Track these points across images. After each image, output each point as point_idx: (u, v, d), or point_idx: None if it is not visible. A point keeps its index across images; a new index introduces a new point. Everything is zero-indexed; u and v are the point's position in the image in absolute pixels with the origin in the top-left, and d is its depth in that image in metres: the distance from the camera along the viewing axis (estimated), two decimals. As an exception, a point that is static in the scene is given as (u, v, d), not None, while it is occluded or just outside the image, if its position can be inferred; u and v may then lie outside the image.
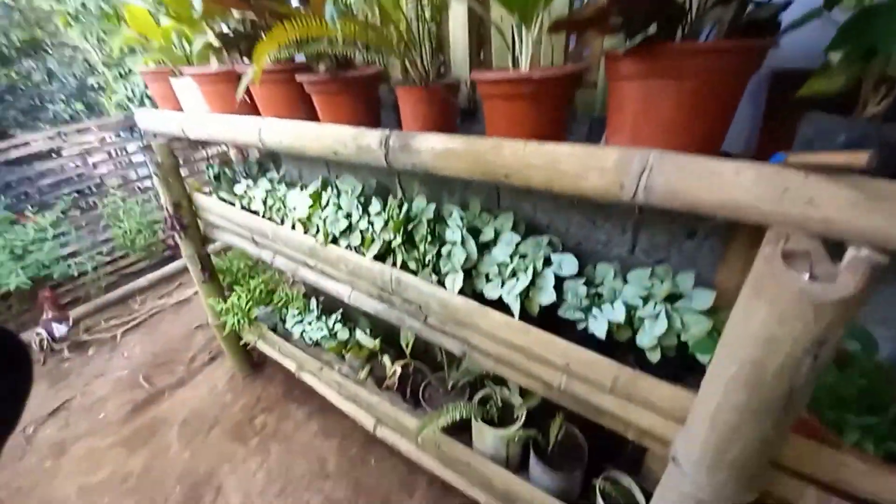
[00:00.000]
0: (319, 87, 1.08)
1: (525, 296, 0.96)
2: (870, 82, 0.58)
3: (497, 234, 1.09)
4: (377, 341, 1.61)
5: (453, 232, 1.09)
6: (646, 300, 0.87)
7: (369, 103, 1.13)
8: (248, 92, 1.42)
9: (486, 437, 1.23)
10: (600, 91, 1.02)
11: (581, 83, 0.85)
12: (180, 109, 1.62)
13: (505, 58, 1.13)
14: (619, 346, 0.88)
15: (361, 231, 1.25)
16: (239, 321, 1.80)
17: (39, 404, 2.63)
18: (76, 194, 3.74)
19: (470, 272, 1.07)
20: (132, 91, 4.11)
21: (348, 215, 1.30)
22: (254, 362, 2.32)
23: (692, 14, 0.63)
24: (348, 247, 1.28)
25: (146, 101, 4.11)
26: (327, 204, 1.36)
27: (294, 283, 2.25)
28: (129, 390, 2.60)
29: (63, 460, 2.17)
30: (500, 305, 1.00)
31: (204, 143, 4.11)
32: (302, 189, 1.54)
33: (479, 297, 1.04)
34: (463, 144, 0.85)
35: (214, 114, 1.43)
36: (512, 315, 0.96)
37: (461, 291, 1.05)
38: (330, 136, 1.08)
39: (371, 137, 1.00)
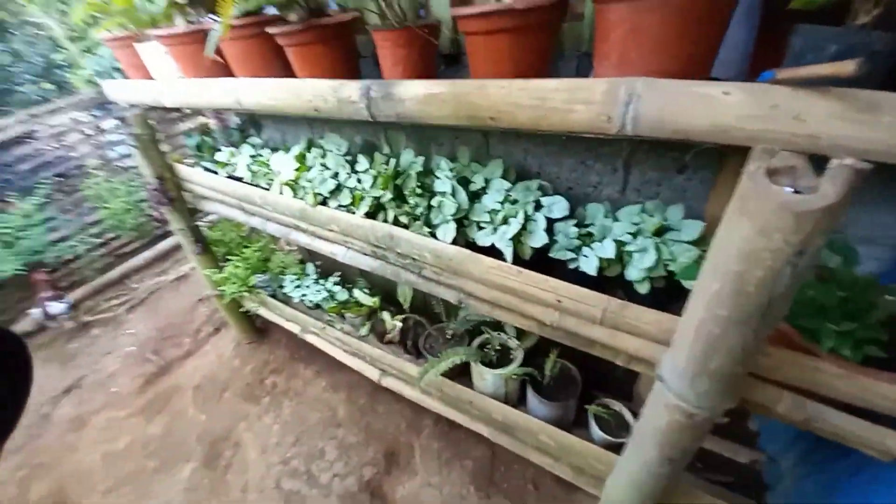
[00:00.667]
0: (293, 38, 1.02)
1: (517, 241, 0.97)
2: (859, -11, 0.55)
3: (487, 182, 1.07)
4: (376, 299, 1.63)
5: (443, 183, 1.08)
6: (635, 235, 0.88)
7: (347, 53, 1.07)
8: (220, 52, 1.34)
9: (486, 377, 1.28)
10: (587, 22, 0.97)
11: (566, 14, 0.81)
12: (151, 78, 1.53)
13: (486, -6, 1.07)
14: (610, 282, 0.90)
15: (350, 190, 1.22)
16: (238, 289, 1.80)
17: (52, 385, 2.68)
18: (57, 177, 3.60)
19: (462, 222, 1.07)
20: (101, 65, 3.85)
21: (336, 175, 1.27)
22: (258, 329, 2.36)
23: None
24: (339, 207, 1.26)
25: (115, 74, 3.87)
26: (313, 165, 1.33)
27: (290, 250, 2.23)
28: (140, 365, 2.65)
29: (84, 432, 2.24)
30: (493, 252, 1.01)
31: (182, 115, 3.93)
32: (287, 152, 1.49)
33: (473, 246, 1.05)
34: (447, 88, 0.82)
35: (187, 79, 1.36)
36: (505, 261, 0.97)
37: (454, 241, 1.05)
38: (309, 91, 1.03)
39: (351, 89, 0.95)
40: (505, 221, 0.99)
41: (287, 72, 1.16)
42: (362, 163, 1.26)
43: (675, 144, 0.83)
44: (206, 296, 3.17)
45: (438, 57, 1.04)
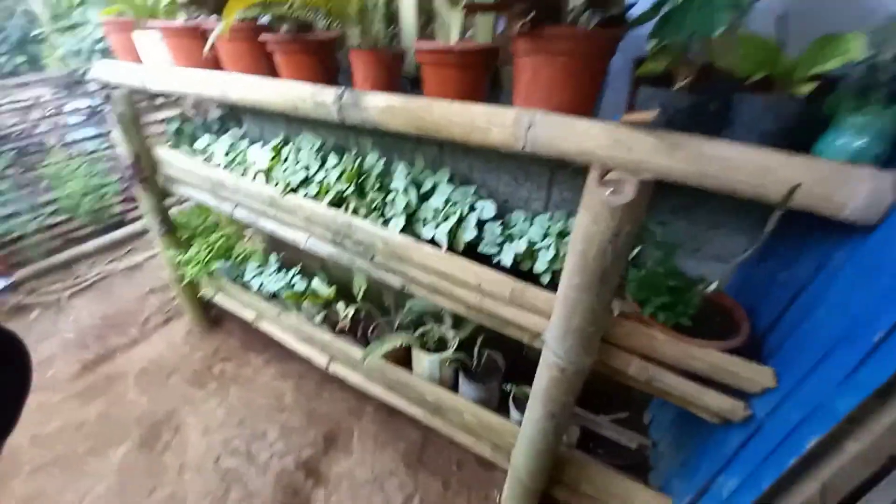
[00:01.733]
0: (283, 46, 1.23)
1: (453, 235, 1.19)
2: (679, 64, 0.83)
3: (435, 186, 1.30)
4: (332, 289, 1.79)
5: (398, 183, 1.29)
6: (544, 237, 1.12)
7: (326, 64, 1.29)
8: (213, 47, 1.54)
9: (423, 361, 1.46)
10: (516, 68, 1.25)
11: (499, 59, 1.07)
12: (139, 62, 1.70)
13: (445, 33, 1.33)
14: (523, 275, 1.13)
15: (319, 182, 1.42)
16: (198, 272, 1.92)
17: (-21, 363, 2.59)
18: (15, 152, 3.57)
19: (410, 218, 1.28)
20: (79, 45, 3.92)
21: (307, 168, 1.46)
22: (211, 319, 2.43)
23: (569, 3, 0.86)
24: (306, 196, 1.45)
25: (94, 55, 3.94)
26: (287, 158, 1.52)
27: (252, 239, 2.36)
28: (78, 350, 2.62)
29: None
30: (434, 245, 1.22)
31: (159, 105, 4.02)
32: (263, 145, 1.68)
33: (418, 239, 1.26)
34: (401, 102, 1.05)
35: (179, 67, 1.54)
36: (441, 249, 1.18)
37: (402, 232, 1.26)
38: (291, 91, 1.24)
39: (327, 94, 1.17)
40: (445, 218, 1.22)
41: (271, 72, 1.37)
42: (332, 160, 1.46)
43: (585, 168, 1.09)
44: (159, 287, 3.18)
45: (405, 79, 1.27)
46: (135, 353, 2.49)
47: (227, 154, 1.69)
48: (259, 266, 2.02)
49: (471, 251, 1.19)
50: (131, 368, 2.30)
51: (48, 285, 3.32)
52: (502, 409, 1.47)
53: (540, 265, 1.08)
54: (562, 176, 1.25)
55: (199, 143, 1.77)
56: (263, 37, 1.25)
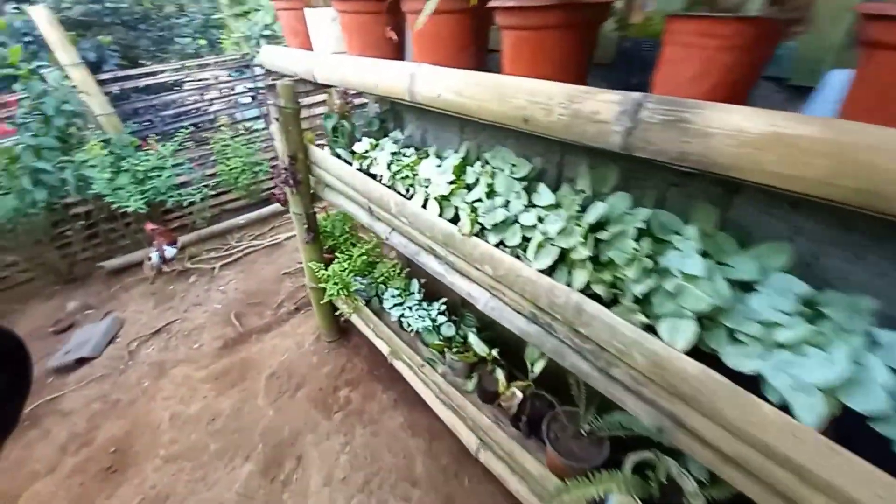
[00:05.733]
0: (526, 17, 0.71)
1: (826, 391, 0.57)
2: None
3: (759, 271, 0.68)
4: (492, 351, 1.31)
5: (685, 258, 0.71)
6: None
7: (587, 50, 0.75)
8: (397, 29, 1.09)
9: (647, 523, 0.90)
10: None
11: None
12: (309, 48, 1.35)
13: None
14: None
15: (524, 228, 0.90)
16: (338, 291, 1.59)
17: (145, 322, 2.75)
18: (192, 128, 3.80)
19: (704, 320, 0.69)
20: (250, 30, 4.00)
21: (506, 203, 0.95)
22: (340, 328, 2.17)
23: None
24: (501, 245, 0.95)
25: (261, 41, 4.00)
26: (475, 183, 1.03)
27: (397, 262, 2.00)
28: (222, 326, 2.63)
29: (161, 382, 2.22)
30: (749, 382, 0.62)
31: (309, 90, 3.94)
32: (438, 158, 1.22)
33: (709, 358, 0.67)
34: (820, 130, 0.45)
35: (352, 56, 1.13)
36: (793, 418, 0.58)
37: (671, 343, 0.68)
38: (525, 94, 0.72)
39: (605, 102, 0.62)
40: (797, 349, 0.60)
41: (479, 64, 0.87)
42: (544, 194, 0.93)
43: None
44: (293, 271, 3.12)
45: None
46: (267, 342, 2.38)
47: (390, 164, 1.27)
48: (400, 293, 1.63)
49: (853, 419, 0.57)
50: (263, 363, 2.16)
51: (205, 252, 3.51)
52: None
53: None
54: None
55: (359, 147, 1.39)
56: (495, 2, 0.74)
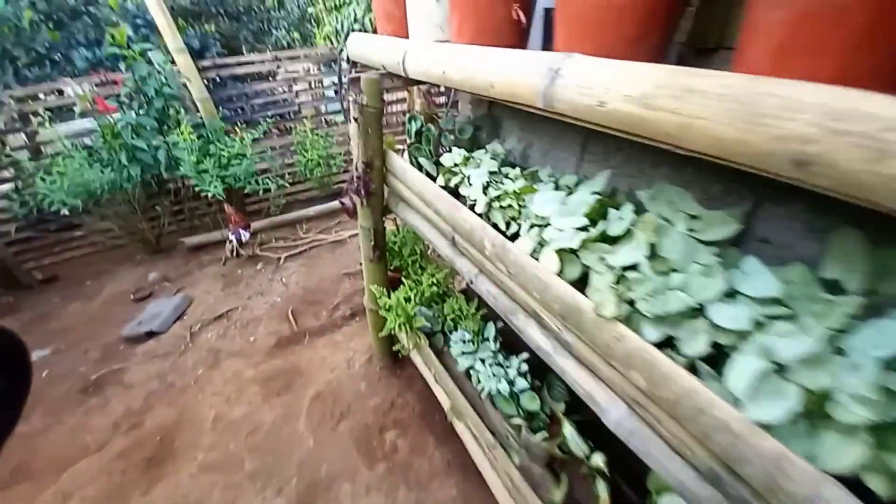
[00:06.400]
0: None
1: None
2: None
3: None
4: (595, 456, 0.95)
5: None
6: None
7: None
8: (522, 4, 0.78)
9: None
10: None
11: None
12: (404, 35, 1.10)
13: None
14: None
15: (718, 331, 0.55)
16: (400, 324, 1.34)
17: (211, 304, 2.77)
18: (278, 118, 3.86)
19: None
20: (341, 24, 3.95)
21: (683, 280, 0.60)
22: (395, 354, 1.94)
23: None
24: (669, 348, 0.60)
25: (350, 34, 3.94)
26: (626, 237, 0.69)
27: (461, 289, 1.70)
28: (278, 321, 2.54)
29: (212, 374, 2.16)
30: None
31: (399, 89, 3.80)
32: (554, 185, 0.89)
33: None
34: None
35: (460, 44, 0.85)
36: None
37: None
38: (815, 113, 0.37)
39: None
40: None
41: (659, 61, 0.54)
42: (758, 277, 0.56)
43: None
44: (353, 272, 2.98)
45: None
46: (318, 349, 2.23)
47: (487, 188, 0.97)
48: (472, 336, 1.33)
49: None
50: (310, 377, 2.00)
51: (274, 241, 3.52)
52: None
53: None
54: None
55: (448, 159, 1.11)
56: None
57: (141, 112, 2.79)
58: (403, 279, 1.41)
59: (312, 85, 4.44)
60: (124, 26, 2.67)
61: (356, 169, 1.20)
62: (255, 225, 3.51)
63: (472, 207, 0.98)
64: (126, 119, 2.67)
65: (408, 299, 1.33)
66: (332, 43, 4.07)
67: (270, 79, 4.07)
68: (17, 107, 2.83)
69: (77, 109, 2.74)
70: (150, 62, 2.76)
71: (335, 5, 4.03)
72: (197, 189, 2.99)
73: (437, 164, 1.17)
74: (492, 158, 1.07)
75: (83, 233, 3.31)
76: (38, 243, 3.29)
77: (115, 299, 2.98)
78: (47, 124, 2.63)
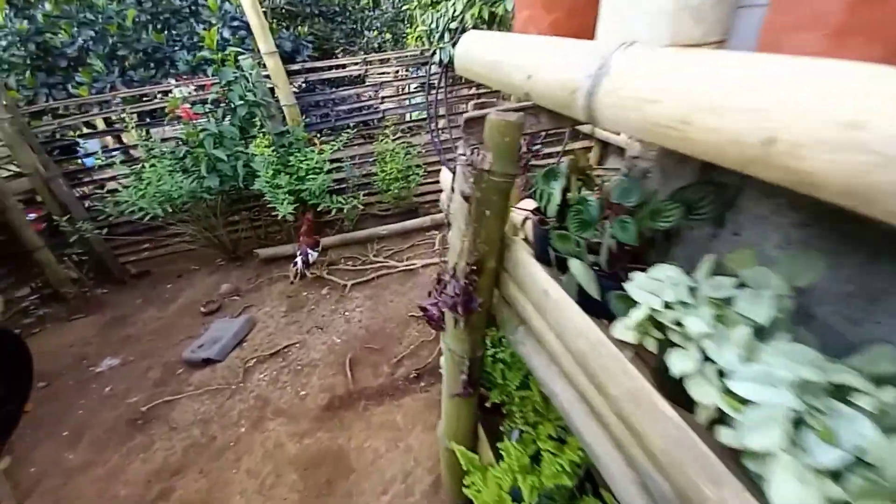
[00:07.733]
0: None
1: None
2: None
3: None
4: None
5: None
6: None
7: None
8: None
9: None
10: None
11: None
12: (582, 34, 0.52)
13: None
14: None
15: None
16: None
17: (271, 332, 2.51)
18: (361, 125, 3.55)
19: None
20: (436, 22, 3.49)
21: None
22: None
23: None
24: None
25: (445, 34, 3.46)
26: None
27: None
28: (334, 372, 2.17)
29: (254, 437, 1.84)
30: None
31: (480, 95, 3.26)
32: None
33: None
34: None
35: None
36: None
37: None
38: None
39: None
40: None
41: None
42: None
43: None
44: (420, 315, 2.52)
45: None
46: (372, 430, 1.80)
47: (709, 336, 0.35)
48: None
49: None
50: (357, 483, 1.56)
51: (343, 262, 3.20)
52: None
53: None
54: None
55: (637, 289, 0.51)
56: None
57: (225, 121, 2.62)
58: (505, 445, 0.85)
59: (399, 91, 4.07)
60: (215, 28, 2.50)
61: (454, 274, 0.67)
62: (325, 241, 3.23)
63: (709, 426, 0.38)
64: (209, 128, 2.49)
65: (511, 477, 0.77)
66: (424, 44, 3.63)
67: (359, 83, 3.76)
68: (126, 108, 2.80)
69: (166, 115, 2.66)
70: (239, 67, 2.57)
71: (431, 1, 3.59)
72: (270, 206, 2.77)
73: (617, 280, 0.58)
74: (712, 289, 0.45)
75: (168, 234, 3.31)
76: (129, 240, 3.37)
77: (187, 310, 2.90)
78: (131, 128, 2.54)
